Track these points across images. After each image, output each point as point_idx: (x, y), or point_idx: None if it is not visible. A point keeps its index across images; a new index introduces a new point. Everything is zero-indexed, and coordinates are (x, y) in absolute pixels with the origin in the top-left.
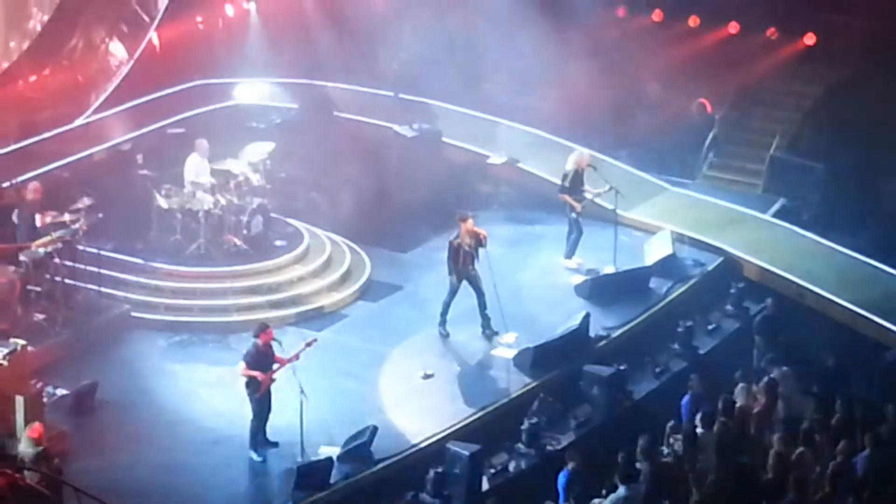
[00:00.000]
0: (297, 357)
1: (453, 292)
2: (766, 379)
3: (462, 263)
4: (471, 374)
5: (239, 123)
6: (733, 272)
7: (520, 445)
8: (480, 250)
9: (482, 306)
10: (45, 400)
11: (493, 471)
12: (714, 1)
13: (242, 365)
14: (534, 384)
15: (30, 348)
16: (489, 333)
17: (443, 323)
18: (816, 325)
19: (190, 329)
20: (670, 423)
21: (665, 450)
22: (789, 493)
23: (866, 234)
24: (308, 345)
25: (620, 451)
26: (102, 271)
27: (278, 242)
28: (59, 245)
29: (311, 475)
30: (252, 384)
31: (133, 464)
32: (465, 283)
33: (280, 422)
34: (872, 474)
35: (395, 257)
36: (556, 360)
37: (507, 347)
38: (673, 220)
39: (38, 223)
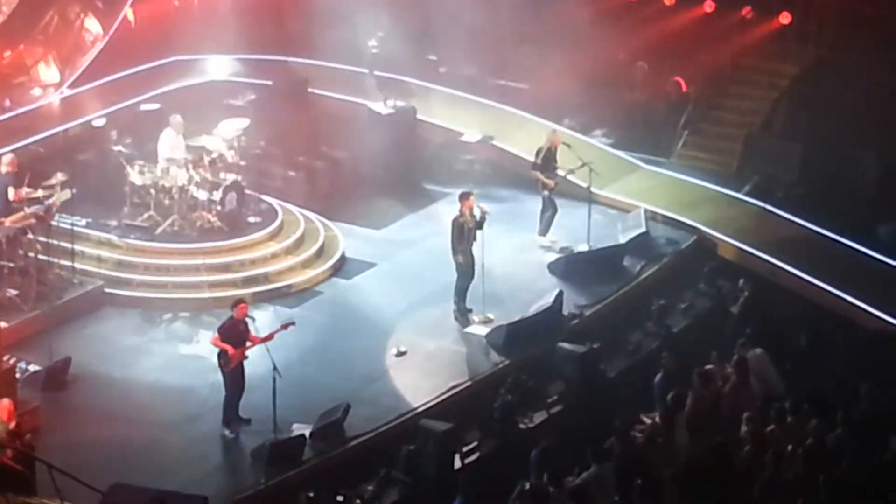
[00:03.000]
0: (271, 337)
1: (465, 274)
2: (735, 357)
3: (466, 241)
4: (444, 351)
5: (213, 100)
6: (706, 251)
7: (493, 423)
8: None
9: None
10: (17, 376)
11: (465, 449)
12: None
13: (215, 336)
14: (507, 362)
15: (2, 324)
16: (465, 311)
17: (461, 309)
18: (789, 303)
19: (163, 306)
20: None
21: (638, 428)
22: (762, 470)
23: (841, 213)
24: (284, 327)
25: (593, 429)
26: (76, 247)
27: (252, 219)
28: (33, 221)
29: (283, 452)
30: (223, 356)
31: (105, 440)
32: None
33: (253, 399)
34: (844, 453)
35: (369, 234)
36: (530, 338)
37: (480, 325)
38: (647, 199)
39: (12, 197)
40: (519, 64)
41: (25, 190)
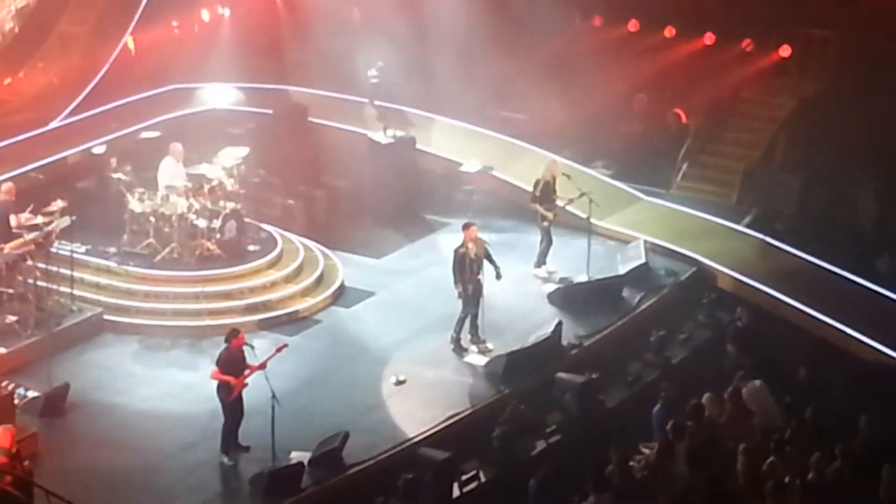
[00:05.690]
0: (265, 365)
1: (467, 304)
2: (730, 388)
3: (469, 272)
4: (443, 380)
5: (213, 128)
6: (706, 282)
7: (491, 452)
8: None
9: (475, 316)
10: (16, 402)
11: (464, 477)
12: (690, 12)
13: (215, 369)
14: (506, 392)
15: (1, 350)
16: (477, 341)
17: (456, 340)
18: (789, 336)
19: (162, 333)
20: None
21: (636, 458)
22: (760, 502)
23: (840, 245)
24: (279, 350)
25: (592, 459)
26: (75, 273)
27: (251, 247)
28: (32, 247)
29: (282, 480)
30: (224, 388)
31: (104, 466)
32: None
33: (252, 426)
34: (843, 486)
35: (368, 263)
36: (529, 367)
37: (479, 355)
38: (646, 230)
39: (12, 224)
40: (519, 95)
41: (25, 216)
